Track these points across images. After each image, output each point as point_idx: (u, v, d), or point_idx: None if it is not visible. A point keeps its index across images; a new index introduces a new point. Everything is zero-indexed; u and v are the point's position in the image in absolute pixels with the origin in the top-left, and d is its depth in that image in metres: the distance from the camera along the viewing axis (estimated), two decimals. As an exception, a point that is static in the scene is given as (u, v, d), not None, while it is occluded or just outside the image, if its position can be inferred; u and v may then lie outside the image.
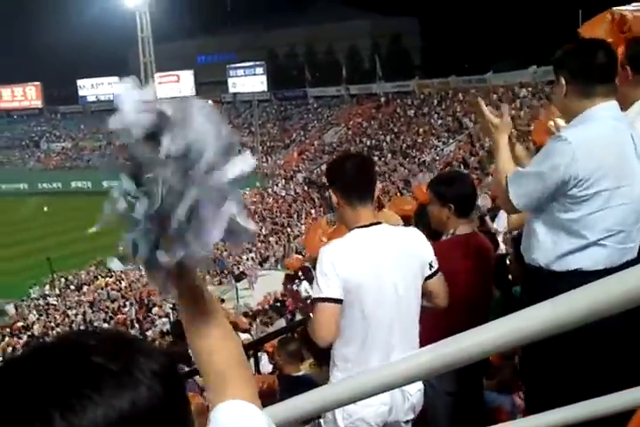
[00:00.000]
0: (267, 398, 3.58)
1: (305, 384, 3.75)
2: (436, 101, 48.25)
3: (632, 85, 2.78)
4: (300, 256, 18.03)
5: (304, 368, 5.17)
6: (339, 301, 2.70)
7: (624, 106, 2.79)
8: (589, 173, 2.41)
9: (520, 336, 1.25)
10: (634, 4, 2.97)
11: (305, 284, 5.88)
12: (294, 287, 3.05)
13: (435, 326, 2.89)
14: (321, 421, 2.94)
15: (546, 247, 2.59)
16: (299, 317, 8.39)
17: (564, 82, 2.55)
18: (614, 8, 2.97)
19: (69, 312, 29.19)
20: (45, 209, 50.39)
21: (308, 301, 3.25)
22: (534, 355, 2.67)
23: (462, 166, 31.96)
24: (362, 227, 2.82)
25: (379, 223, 2.88)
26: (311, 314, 2.87)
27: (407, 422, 2.92)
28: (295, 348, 5.14)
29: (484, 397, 3.79)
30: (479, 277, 3.48)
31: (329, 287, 2.69)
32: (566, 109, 2.63)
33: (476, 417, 3.44)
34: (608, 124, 2.51)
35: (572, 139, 2.43)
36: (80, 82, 70.86)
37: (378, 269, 2.75)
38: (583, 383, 2.46)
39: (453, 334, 1.41)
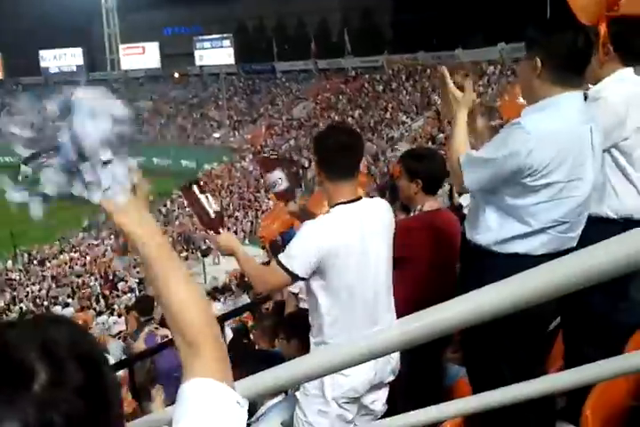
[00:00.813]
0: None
1: (276, 359, 3.74)
2: (404, 77, 48.16)
3: (607, 63, 2.76)
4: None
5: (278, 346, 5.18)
6: (299, 278, 2.81)
7: (592, 82, 2.81)
8: (544, 164, 2.38)
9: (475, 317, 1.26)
10: None
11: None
12: (200, 198, 2.96)
13: (403, 299, 3.04)
14: (297, 395, 2.98)
15: (489, 229, 2.57)
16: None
17: (539, 63, 2.44)
18: None
19: (33, 288, 28.85)
20: None
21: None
22: (472, 337, 2.69)
23: (430, 142, 32.05)
24: (344, 203, 2.86)
25: (360, 198, 2.92)
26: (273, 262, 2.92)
27: (387, 384, 3.04)
28: (269, 323, 5.19)
29: (447, 370, 3.80)
30: (445, 253, 3.50)
31: (298, 263, 2.75)
32: (532, 91, 2.53)
33: (434, 391, 3.46)
34: (570, 116, 2.46)
35: (531, 128, 2.38)
36: (42, 52, 69.33)
37: (361, 245, 2.81)
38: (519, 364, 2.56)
39: (422, 307, 1.40)
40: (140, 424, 1.93)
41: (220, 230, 3.15)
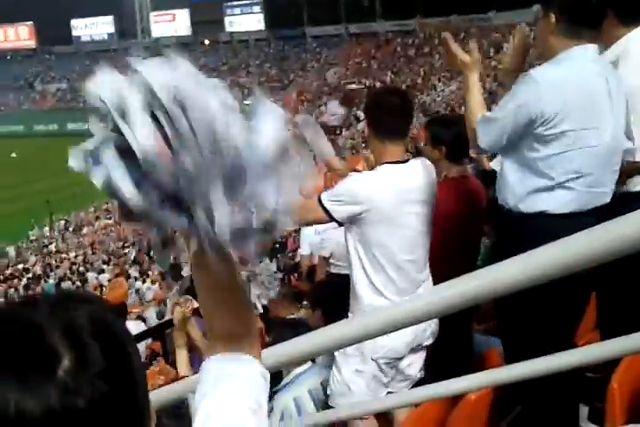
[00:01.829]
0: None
1: (302, 326, 3.74)
2: (437, 41, 47.37)
3: (607, 25, 2.69)
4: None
5: (304, 313, 5.18)
6: (335, 220, 2.84)
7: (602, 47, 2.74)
8: (555, 111, 2.39)
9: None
10: None
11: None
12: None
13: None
14: (336, 354, 3.02)
15: (513, 186, 2.58)
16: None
17: (553, 19, 2.49)
18: None
19: (70, 254, 29.41)
20: (13, 155, 50.23)
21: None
22: (508, 307, 2.69)
23: (463, 108, 31.64)
24: (391, 163, 2.90)
25: (407, 160, 2.96)
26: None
27: (426, 347, 3.09)
28: (285, 290, 5.19)
29: (475, 340, 3.81)
30: (469, 220, 3.52)
31: (337, 207, 2.80)
32: (549, 46, 2.56)
33: (463, 362, 3.44)
34: (581, 66, 2.48)
35: (540, 78, 2.41)
36: (74, 22, 69.57)
37: (401, 205, 2.85)
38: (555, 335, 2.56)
39: (449, 273, 1.39)
40: (164, 392, 1.93)
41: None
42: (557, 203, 2.49)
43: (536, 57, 2.79)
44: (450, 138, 3.49)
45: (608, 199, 2.55)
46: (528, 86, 2.43)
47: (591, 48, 2.50)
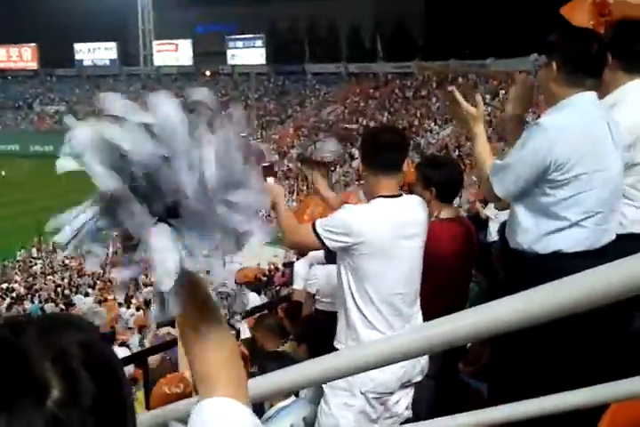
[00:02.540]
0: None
1: (287, 359, 3.67)
2: (435, 84, 48.08)
3: (610, 71, 2.77)
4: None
5: (288, 347, 5.01)
6: (326, 248, 2.89)
7: (602, 93, 2.81)
8: (567, 157, 2.47)
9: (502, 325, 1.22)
10: None
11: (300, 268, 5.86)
12: None
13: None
14: (324, 387, 2.99)
15: (528, 230, 2.62)
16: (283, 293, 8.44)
17: (555, 67, 2.58)
18: None
19: (55, 276, 29.19)
20: (3, 174, 50.25)
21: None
22: (505, 347, 2.71)
23: (457, 151, 31.97)
24: (385, 197, 2.93)
25: (400, 195, 3.00)
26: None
27: (414, 384, 3.06)
28: (272, 322, 5.14)
29: (466, 381, 3.83)
30: (460, 261, 3.56)
31: (330, 236, 2.82)
32: (551, 93, 2.65)
33: (458, 400, 3.48)
34: (584, 111, 2.57)
35: (549, 125, 2.50)
36: (77, 45, 70.23)
37: (394, 239, 2.87)
38: (550, 377, 2.51)
39: (438, 313, 1.42)
40: (146, 417, 1.94)
41: (268, 179, 3.24)
42: (572, 241, 2.55)
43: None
44: (440, 179, 3.54)
45: (613, 236, 2.63)
46: (538, 134, 2.50)
47: (591, 94, 2.59)
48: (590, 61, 2.58)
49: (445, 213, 3.58)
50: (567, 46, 2.60)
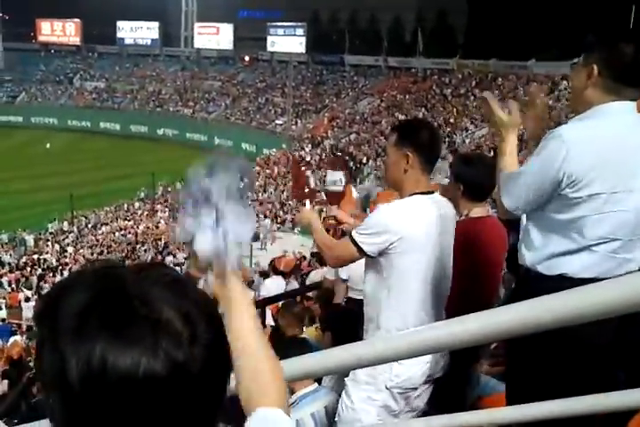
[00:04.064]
0: None
1: (309, 347, 3.74)
2: (474, 83, 47.73)
3: None
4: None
5: (307, 333, 5.22)
6: (367, 255, 2.86)
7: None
8: (583, 173, 2.25)
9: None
10: None
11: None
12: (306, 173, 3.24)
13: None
14: (346, 380, 3.01)
15: (535, 248, 2.47)
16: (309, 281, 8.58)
17: (596, 71, 2.32)
18: None
19: (85, 251, 29.68)
20: (48, 146, 50.75)
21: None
22: (519, 353, 2.60)
23: (492, 152, 31.80)
24: (420, 193, 2.92)
25: (433, 192, 2.99)
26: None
27: (436, 379, 3.05)
28: (299, 310, 5.23)
29: (484, 382, 3.81)
30: (490, 261, 3.54)
31: (369, 242, 2.82)
32: (584, 98, 2.40)
33: (461, 401, 3.49)
34: (615, 122, 2.31)
35: (567, 136, 2.28)
36: (120, 23, 70.54)
37: (426, 236, 2.86)
38: (564, 384, 2.38)
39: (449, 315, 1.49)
40: None
41: (307, 203, 3.32)
42: (578, 267, 2.37)
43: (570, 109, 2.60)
44: (468, 176, 3.49)
45: (634, 267, 2.37)
46: (555, 144, 2.29)
47: (629, 104, 2.34)
48: (636, 70, 2.31)
49: (474, 212, 3.53)
50: (612, 50, 2.32)
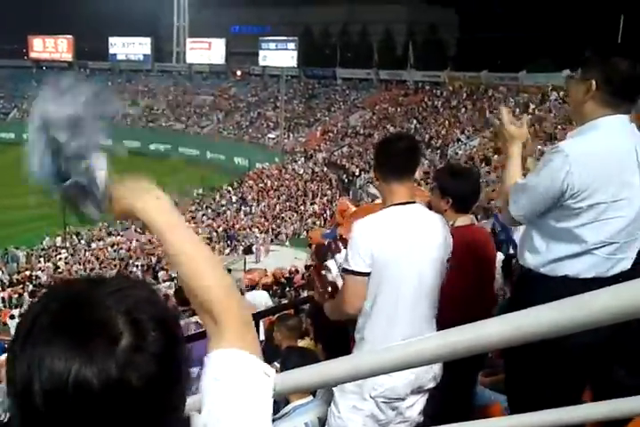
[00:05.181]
0: None
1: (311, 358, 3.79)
2: (465, 95, 47.97)
3: None
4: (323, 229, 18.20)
5: (302, 344, 5.25)
6: (365, 274, 2.85)
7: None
8: (585, 185, 2.40)
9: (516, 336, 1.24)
10: None
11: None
12: (323, 272, 3.22)
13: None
14: (334, 390, 3.02)
15: (538, 251, 2.59)
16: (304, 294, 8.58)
17: (594, 86, 2.46)
18: None
19: (77, 267, 29.56)
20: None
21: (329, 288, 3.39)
22: (518, 361, 2.69)
23: (484, 163, 31.91)
24: (397, 204, 2.93)
25: (414, 202, 2.98)
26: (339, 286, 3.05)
27: (427, 390, 3.04)
28: (295, 323, 5.23)
29: (479, 393, 3.84)
30: (478, 267, 3.55)
31: (356, 262, 2.84)
32: (582, 111, 2.55)
33: (463, 411, 3.49)
34: (613, 137, 2.47)
35: (570, 151, 2.42)
36: (112, 39, 70.80)
37: (407, 247, 2.86)
38: (562, 392, 2.53)
39: (453, 320, 1.49)
40: None
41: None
42: (581, 268, 2.51)
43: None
44: (456, 190, 3.52)
45: (628, 265, 2.56)
46: (558, 159, 2.42)
47: (624, 118, 2.49)
48: (634, 85, 2.47)
49: (460, 222, 3.55)
50: (611, 66, 2.46)
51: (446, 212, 3.48)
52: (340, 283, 3.17)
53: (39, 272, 28.69)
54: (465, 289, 3.38)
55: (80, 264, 30.05)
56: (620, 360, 2.89)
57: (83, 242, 34.22)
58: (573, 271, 2.52)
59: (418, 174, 3.12)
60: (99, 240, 34.12)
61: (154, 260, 29.15)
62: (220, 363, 1.05)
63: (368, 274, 2.85)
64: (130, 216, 1.25)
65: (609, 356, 2.76)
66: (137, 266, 29.00)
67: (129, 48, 71.28)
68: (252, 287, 9.05)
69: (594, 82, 2.47)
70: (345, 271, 2.92)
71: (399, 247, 2.84)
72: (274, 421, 3.47)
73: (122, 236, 34.22)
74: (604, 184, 2.42)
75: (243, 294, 9.97)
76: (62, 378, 0.73)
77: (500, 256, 5.54)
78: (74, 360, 0.74)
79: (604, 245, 2.49)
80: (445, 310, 3.04)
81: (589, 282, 2.47)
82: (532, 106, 39.81)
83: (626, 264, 2.57)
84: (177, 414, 0.85)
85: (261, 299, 8.09)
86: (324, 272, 3.44)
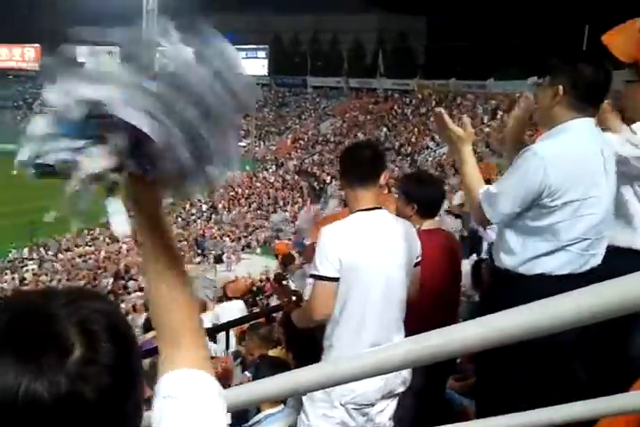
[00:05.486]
0: (222, 379, 3.69)
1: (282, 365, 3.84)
2: (434, 102, 48.34)
3: None
4: (288, 241, 18.14)
5: (273, 353, 5.23)
6: (334, 279, 2.85)
7: (634, 119, 2.90)
8: (560, 184, 2.52)
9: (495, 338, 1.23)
10: None
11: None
12: (284, 283, 3.23)
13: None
14: (303, 398, 3.02)
15: (514, 252, 2.67)
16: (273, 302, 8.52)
17: (561, 91, 2.60)
18: None
19: (45, 278, 29.09)
20: (14, 172, 50.17)
21: (294, 298, 3.48)
22: (489, 363, 2.74)
23: (454, 169, 32.07)
24: (363, 210, 2.96)
25: (380, 208, 3.02)
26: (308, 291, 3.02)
27: (397, 395, 3.06)
28: (267, 332, 5.28)
29: (449, 397, 3.89)
30: (445, 270, 3.60)
31: (325, 267, 2.85)
32: (551, 115, 2.67)
33: (440, 415, 3.50)
34: (580, 138, 2.61)
35: (544, 153, 2.54)
36: (79, 49, 70.12)
37: (374, 252, 2.89)
38: (535, 393, 2.56)
39: (423, 322, 1.47)
40: None
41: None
42: (556, 265, 2.60)
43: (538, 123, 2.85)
44: (421, 196, 3.57)
45: (598, 261, 2.67)
46: (533, 161, 2.54)
47: (590, 120, 2.64)
48: (598, 89, 2.62)
49: (426, 226, 3.59)
50: (576, 71, 2.60)
51: (412, 217, 3.52)
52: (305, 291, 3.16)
53: (4, 284, 28.16)
54: (431, 292, 3.40)
55: (47, 275, 29.55)
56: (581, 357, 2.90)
57: (50, 253, 33.68)
58: (549, 269, 2.60)
59: (386, 181, 3.13)
60: (67, 251, 33.62)
61: (122, 270, 28.78)
62: (175, 381, 1.05)
63: (337, 279, 2.86)
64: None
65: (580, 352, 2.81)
66: (106, 276, 28.59)
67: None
68: (229, 298, 8.92)
69: (561, 87, 2.60)
70: (313, 277, 2.91)
71: (367, 252, 2.88)
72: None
73: (90, 246, 33.76)
74: (575, 183, 2.54)
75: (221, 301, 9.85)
76: (12, 392, 0.71)
77: (470, 260, 5.54)
78: (24, 374, 0.72)
79: (578, 242, 2.59)
80: (412, 313, 3.08)
81: (564, 279, 2.58)
82: (499, 113, 40.21)
83: (597, 260, 2.68)
84: (133, 425, 0.82)
85: (232, 312, 7.97)
86: (285, 282, 3.43)
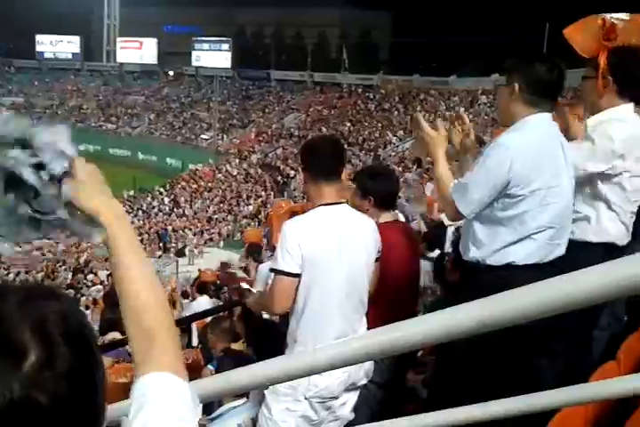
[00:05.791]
0: (192, 371, 3.69)
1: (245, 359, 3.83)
2: (397, 98, 48.54)
3: (608, 94, 2.96)
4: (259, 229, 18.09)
5: (235, 347, 5.26)
6: (295, 275, 2.87)
7: (591, 113, 3.03)
8: (527, 173, 2.66)
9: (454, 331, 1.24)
10: (624, 13, 3.06)
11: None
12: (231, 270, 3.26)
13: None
14: (265, 392, 3.01)
15: (482, 243, 2.77)
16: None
17: (517, 89, 2.78)
18: (607, 14, 3.01)
19: (1, 272, 28.55)
20: None
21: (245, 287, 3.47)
22: (447, 356, 2.86)
23: (416, 165, 32.29)
24: (325, 205, 2.99)
25: (341, 203, 3.06)
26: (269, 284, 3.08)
27: (360, 387, 3.09)
28: (228, 326, 5.27)
29: (410, 389, 3.95)
30: (400, 264, 3.61)
31: (286, 262, 2.87)
32: (509, 112, 2.84)
33: (394, 408, 3.52)
34: (542, 131, 2.78)
35: (509, 143, 2.71)
36: (39, 37, 68.72)
37: (336, 246, 2.92)
38: (499, 381, 2.61)
39: (385, 314, 1.48)
40: None
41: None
42: (523, 254, 2.71)
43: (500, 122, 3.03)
44: (378, 189, 3.64)
45: (563, 251, 2.80)
46: (500, 152, 2.69)
47: (548, 115, 2.82)
48: (551, 86, 2.81)
49: (384, 218, 3.64)
50: (531, 70, 2.79)
51: (368, 211, 3.55)
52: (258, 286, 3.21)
53: (-40, 277, 27.54)
54: (391, 284, 3.43)
55: (4, 269, 28.99)
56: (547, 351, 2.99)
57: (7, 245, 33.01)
58: (517, 258, 2.71)
59: (348, 177, 3.18)
60: (24, 243, 33.00)
61: (82, 263, 28.39)
62: (149, 386, 1.01)
63: (298, 275, 2.87)
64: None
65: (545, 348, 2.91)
66: (65, 269, 28.18)
67: (57, 46, 69.28)
68: (202, 288, 8.89)
69: (517, 85, 2.78)
70: (274, 272, 2.92)
71: (328, 247, 2.89)
72: (205, 425, 3.45)
73: (49, 239, 33.18)
74: (540, 173, 2.68)
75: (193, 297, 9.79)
76: None
77: (433, 254, 5.58)
78: None
79: (544, 230, 2.71)
80: (373, 306, 3.13)
81: (531, 268, 2.68)
82: (461, 109, 40.56)
83: (561, 250, 2.80)
84: None
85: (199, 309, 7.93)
86: (232, 271, 3.48)
